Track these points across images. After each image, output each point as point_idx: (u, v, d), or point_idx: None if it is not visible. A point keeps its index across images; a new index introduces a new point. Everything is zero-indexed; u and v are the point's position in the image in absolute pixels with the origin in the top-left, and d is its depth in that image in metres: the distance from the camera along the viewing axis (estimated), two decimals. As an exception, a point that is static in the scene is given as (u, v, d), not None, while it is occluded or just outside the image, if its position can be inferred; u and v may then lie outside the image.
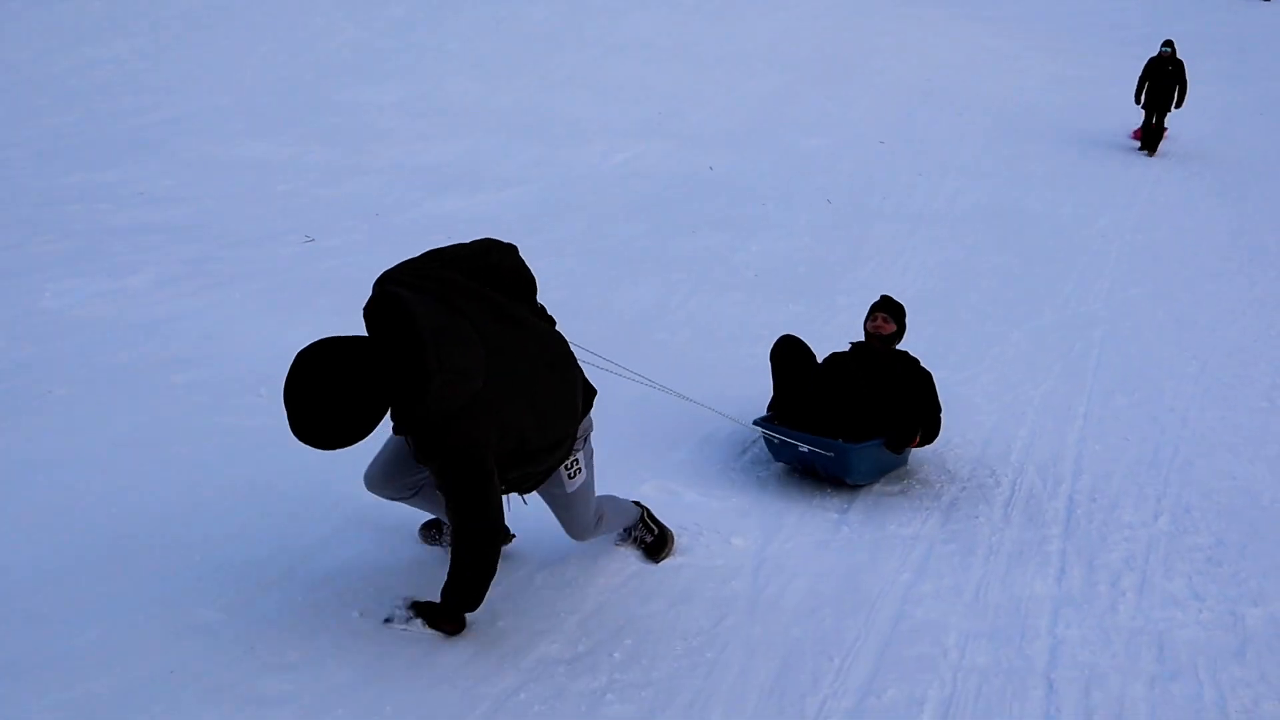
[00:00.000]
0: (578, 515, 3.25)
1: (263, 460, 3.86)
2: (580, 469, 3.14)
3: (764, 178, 11.04)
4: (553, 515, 3.27)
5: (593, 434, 3.18)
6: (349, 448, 2.54)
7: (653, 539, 3.61)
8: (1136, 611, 3.48)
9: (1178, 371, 6.31)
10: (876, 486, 4.45)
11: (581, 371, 3.13)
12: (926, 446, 4.60)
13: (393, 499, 3.23)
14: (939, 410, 4.56)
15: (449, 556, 2.92)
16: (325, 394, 2.44)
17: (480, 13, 16.60)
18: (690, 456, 4.57)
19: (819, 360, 4.80)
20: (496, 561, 2.90)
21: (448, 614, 3.01)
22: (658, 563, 3.54)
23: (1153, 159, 13.41)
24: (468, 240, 3.03)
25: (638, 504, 3.63)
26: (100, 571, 3.11)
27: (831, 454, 4.28)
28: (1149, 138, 13.70)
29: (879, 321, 4.77)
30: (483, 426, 2.70)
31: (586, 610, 3.21)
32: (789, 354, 4.72)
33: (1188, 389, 6.02)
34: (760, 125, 13.34)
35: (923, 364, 4.72)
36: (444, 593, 2.95)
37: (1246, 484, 4.76)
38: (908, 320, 4.87)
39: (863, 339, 4.82)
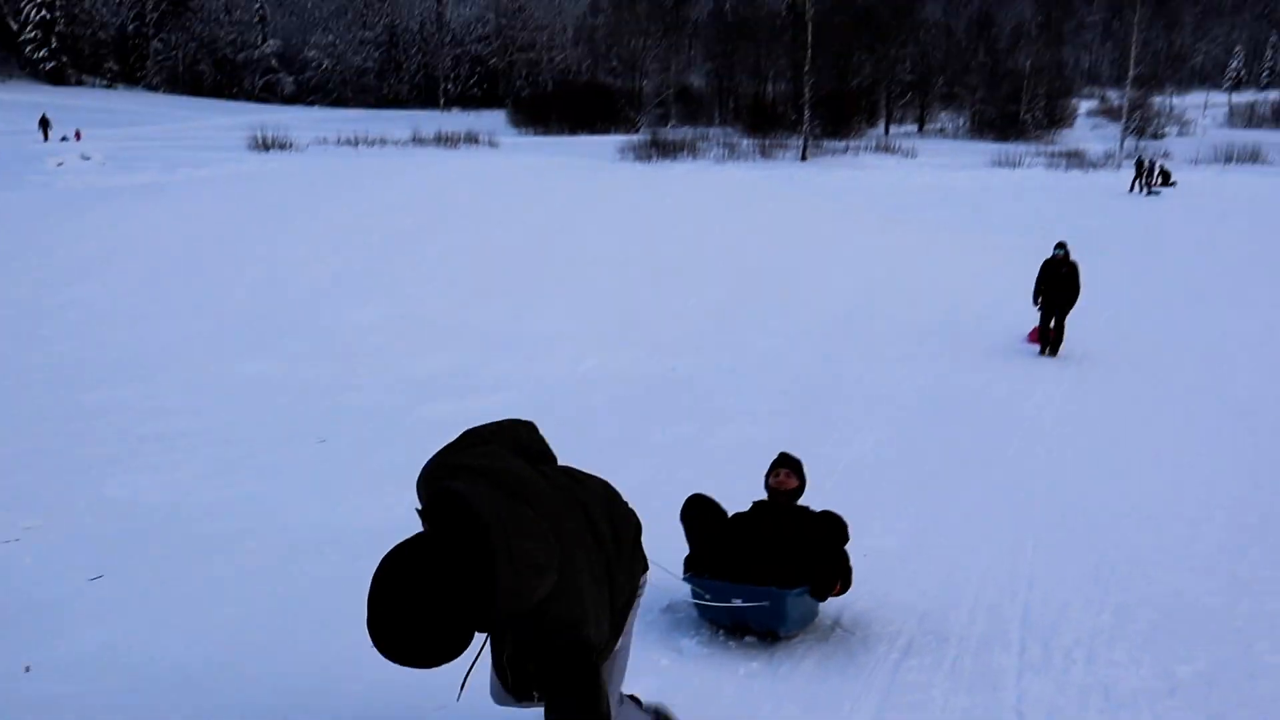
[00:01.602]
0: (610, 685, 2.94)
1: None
2: (626, 630, 2.98)
3: (725, 374, 12.02)
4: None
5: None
6: (445, 664, 2.36)
7: None
8: (1087, 672, 4.23)
9: (1111, 509, 7.17)
10: (860, 603, 5.16)
11: (636, 519, 3.09)
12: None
13: (526, 707, 3.01)
14: (848, 558, 4.73)
15: None
16: (408, 601, 2.27)
17: (451, 239, 17.91)
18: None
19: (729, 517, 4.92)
20: None
21: None
22: None
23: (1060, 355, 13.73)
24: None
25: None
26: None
27: (767, 603, 4.37)
28: (1046, 339, 13.62)
29: (782, 477, 4.96)
30: (574, 607, 2.58)
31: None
32: (700, 512, 4.88)
33: (1122, 522, 6.86)
34: (718, 328, 14.46)
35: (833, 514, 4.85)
36: None
37: (1173, 586, 5.58)
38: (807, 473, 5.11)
39: (764, 497, 4.95)
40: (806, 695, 3.85)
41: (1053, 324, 13.52)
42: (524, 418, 3.17)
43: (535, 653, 2.60)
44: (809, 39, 53.90)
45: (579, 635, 2.58)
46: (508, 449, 2.89)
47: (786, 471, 5.06)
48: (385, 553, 2.32)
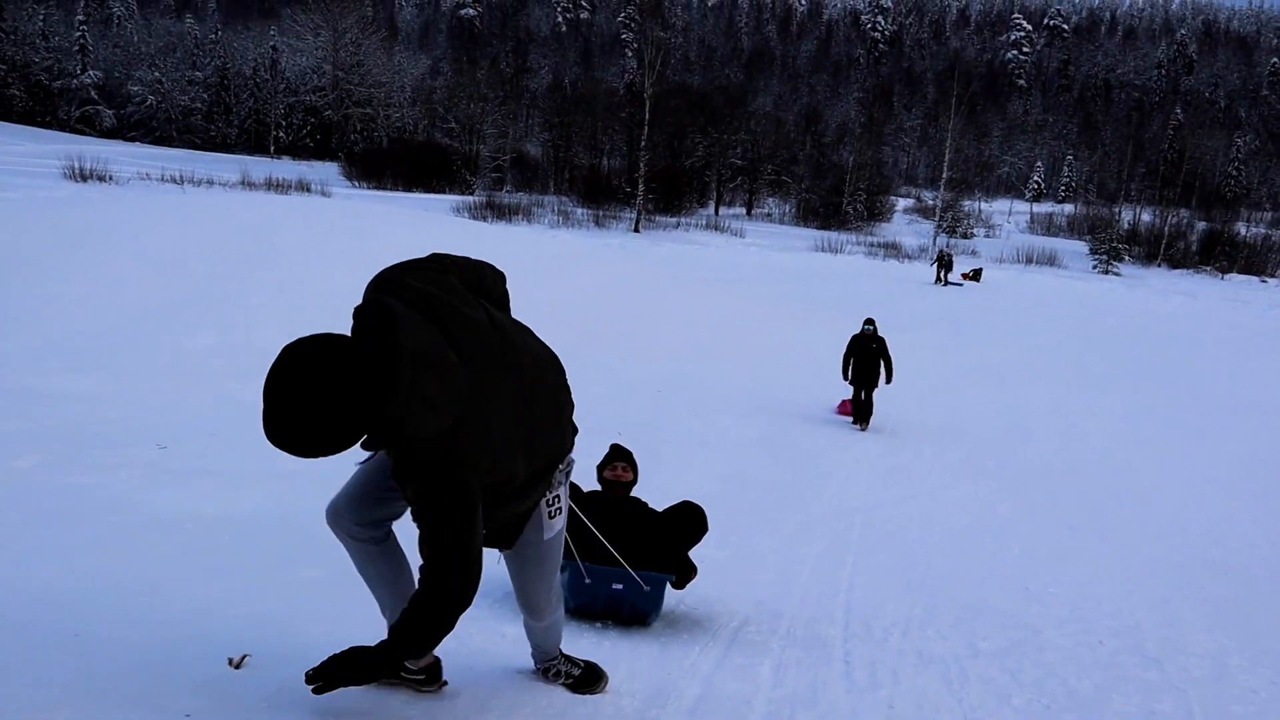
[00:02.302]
0: (546, 574, 3.08)
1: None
2: (560, 509, 3.02)
3: (562, 414, 12.36)
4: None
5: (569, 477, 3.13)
6: (327, 457, 2.42)
7: (580, 672, 3.48)
8: (903, 641, 4.76)
9: (922, 540, 7.84)
10: (699, 592, 5.49)
11: (571, 396, 3.06)
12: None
13: (354, 541, 2.96)
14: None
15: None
16: (304, 394, 2.29)
17: (285, 275, 17.72)
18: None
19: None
20: (459, 613, 2.66)
21: (391, 657, 2.72)
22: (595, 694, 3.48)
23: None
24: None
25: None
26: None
27: (648, 588, 4.39)
28: (859, 412, 13.69)
29: (619, 470, 4.94)
30: (471, 448, 2.54)
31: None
32: None
33: (932, 550, 7.52)
34: (553, 374, 14.79)
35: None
36: (397, 632, 2.71)
37: (975, 595, 6.20)
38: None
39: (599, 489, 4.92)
40: (660, 642, 4.22)
41: (864, 396, 13.66)
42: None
43: (414, 477, 2.57)
44: (646, 116, 55.53)
45: (460, 479, 2.54)
46: (466, 284, 2.85)
47: (623, 465, 5.04)
48: (296, 339, 2.36)
